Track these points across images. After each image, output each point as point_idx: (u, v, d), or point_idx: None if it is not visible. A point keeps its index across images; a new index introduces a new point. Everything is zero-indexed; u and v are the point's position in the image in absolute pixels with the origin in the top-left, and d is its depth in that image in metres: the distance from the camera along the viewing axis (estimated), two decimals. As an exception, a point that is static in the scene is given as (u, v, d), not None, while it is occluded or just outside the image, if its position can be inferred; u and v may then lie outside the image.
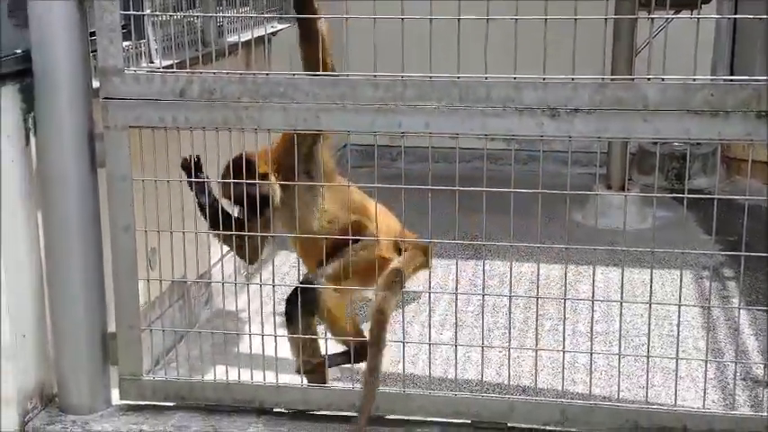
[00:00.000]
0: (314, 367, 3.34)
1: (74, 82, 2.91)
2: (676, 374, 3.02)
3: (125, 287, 3.02)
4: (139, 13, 3.14)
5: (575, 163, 5.41)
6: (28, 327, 3.03)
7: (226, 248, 3.42)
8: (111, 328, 3.11)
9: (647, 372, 3.00)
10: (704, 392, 2.99)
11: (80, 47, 2.91)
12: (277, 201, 3.25)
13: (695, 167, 6.49)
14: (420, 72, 2.76)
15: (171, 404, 3.12)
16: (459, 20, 2.68)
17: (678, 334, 2.99)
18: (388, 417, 3.02)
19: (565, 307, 3.03)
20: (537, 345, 3.18)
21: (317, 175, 3.27)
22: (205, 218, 3.28)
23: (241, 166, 3.07)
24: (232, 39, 4.26)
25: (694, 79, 2.64)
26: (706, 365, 3.03)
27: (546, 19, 2.64)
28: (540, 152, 2.96)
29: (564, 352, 3.00)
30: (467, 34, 2.68)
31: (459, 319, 3.57)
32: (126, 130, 2.90)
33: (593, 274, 3.00)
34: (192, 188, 3.24)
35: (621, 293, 2.95)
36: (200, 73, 2.90)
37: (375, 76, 2.77)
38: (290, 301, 3.31)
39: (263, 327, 3.10)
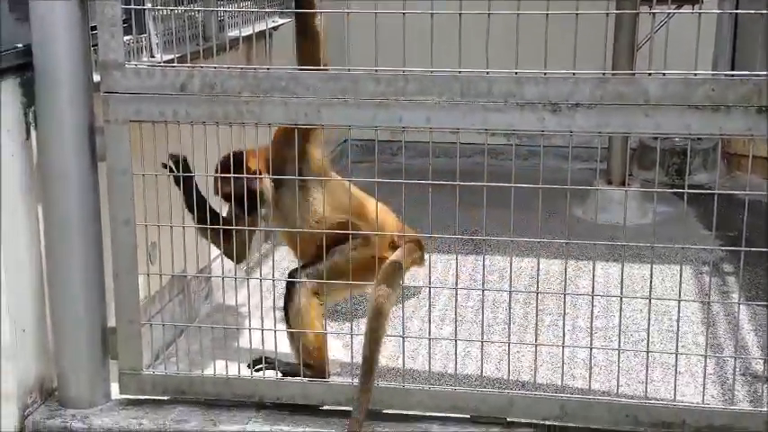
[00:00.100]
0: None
1: (74, 77, 2.91)
2: (676, 369, 3.02)
3: (125, 281, 3.03)
4: (140, 7, 3.13)
5: (575, 158, 5.40)
6: (28, 321, 3.03)
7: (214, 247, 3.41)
8: (111, 322, 3.11)
9: (647, 367, 3.00)
10: (703, 388, 2.99)
11: (81, 44, 2.91)
12: (267, 198, 3.24)
13: (696, 163, 6.48)
14: (421, 67, 2.75)
15: (171, 398, 3.13)
16: (460, 15, 2.68)
17: (678, 329, 2.99)
18: (387, 411, 3.03)
19: (565, 302, 3.03)
20: (536, 340, 3.18)
21: (308, 174, 3.23)
22: (193, 217, 3.27)
23: (234, 164, 3.06)
24: (233, 33, 4.25)
25: (695, 74, 2.65)
26: (705, 361, 3.04)
27: (547, 14, 2.65)
28: (541, 147, 2.96)
29: (563, 347, 3.01)
30: (468, 29, 2.68)
31: (458, 314, 3.57)
32: (126, 124, 2.90)
33: (593, 269, 3.00)
34: (179, 186, 3.20)
35: (621, 289, 2.95)
36: (201, 67, 2.90)
37: (376, 70, 2.77)
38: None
39: (263, 321, 3.11)
